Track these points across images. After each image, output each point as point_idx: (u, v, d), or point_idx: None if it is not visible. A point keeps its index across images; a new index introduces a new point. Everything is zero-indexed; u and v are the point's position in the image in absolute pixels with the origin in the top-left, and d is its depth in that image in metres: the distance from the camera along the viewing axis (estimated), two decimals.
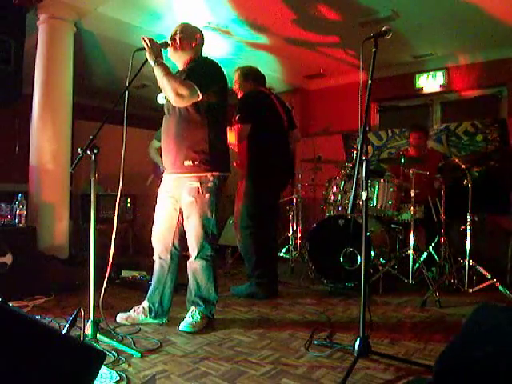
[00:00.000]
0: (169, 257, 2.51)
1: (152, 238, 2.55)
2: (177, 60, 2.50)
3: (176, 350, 2.11)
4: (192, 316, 2.41)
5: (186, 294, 2.52)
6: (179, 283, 2.68)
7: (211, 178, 2.37)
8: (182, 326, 2.37)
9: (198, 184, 2.35)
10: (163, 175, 2.56)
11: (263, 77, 3.42)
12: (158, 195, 2.55)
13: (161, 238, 2.51)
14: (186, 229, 2.45)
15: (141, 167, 4.60)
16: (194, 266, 2.45)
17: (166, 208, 2.50)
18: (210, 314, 2.48)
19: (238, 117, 3.10)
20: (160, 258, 2.53)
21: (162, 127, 2.52)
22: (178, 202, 2.46)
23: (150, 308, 2.51)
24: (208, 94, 2.34)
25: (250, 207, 3.20)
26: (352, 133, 5.31)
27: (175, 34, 2.44)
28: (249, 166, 3.23)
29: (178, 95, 2.25)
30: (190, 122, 2.36)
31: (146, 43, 2.26)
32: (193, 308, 2.45)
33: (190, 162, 2.34)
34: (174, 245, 2.51)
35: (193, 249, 2.43)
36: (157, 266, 2.55)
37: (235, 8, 3.90)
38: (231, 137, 3.22)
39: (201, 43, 2.55)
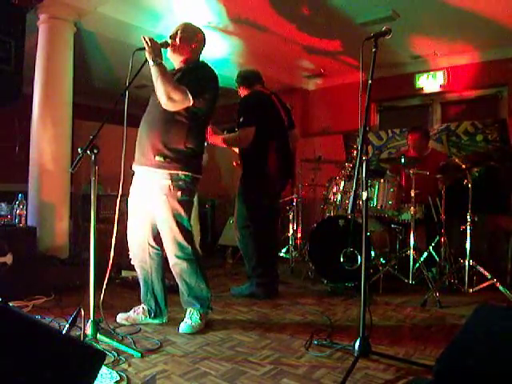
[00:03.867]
0: (147, 257, 2.45)
1: (128, 241, 2.49)
2: (174, 59, 2.49)
3: (176, 350, 2.11)
4: (190, 317, 2.40)
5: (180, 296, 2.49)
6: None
7: (182, 177, 2.33)
8: (182, 328, 2.37)
9: (170, 181, 2.30)
10: (132, 168, 2.47)
11: (257, 76, 3.40)
12: (130, 194, 2.48)
13: (135, 240, 2.47)
14: (160, 230, 2.40)
15: None
16: (178, 268, 2.39)
17: (136, 208, 2.45)
18: (207, 309, 2.45)
19: (241, 120, 3.11)
20: (137, 260, 2.49)
21: (144, 117, 2.46)
22: (149, 201, 2.39)
23: (148, 309, 2.51)
24: (198, 101, 2.32)
25: (250, 207, 3.20)
26: (352, 133, 5.31)
27: (176, 32, 2.44)
28: (248, 166, 3.23)
29: (170, 99, 2.23)
30: (172, 121, 2.33)
31: (147, 42, 2.24)
32: (190, 309, 2.42)
33: (162, 158, 2.30)
34: (150, 244, 2.46)
35: (171, 250, 2.37)
36: (138, 270, 2.51)
37: (236, 8, 3.90)
38: (231, 143, 3.23)
39: (201, 44, 2.54)
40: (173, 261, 2.39)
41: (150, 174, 2.36)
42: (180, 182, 2.32)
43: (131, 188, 2.50)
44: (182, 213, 2.34)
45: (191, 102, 2.28)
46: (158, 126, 2.35)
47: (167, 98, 2.23)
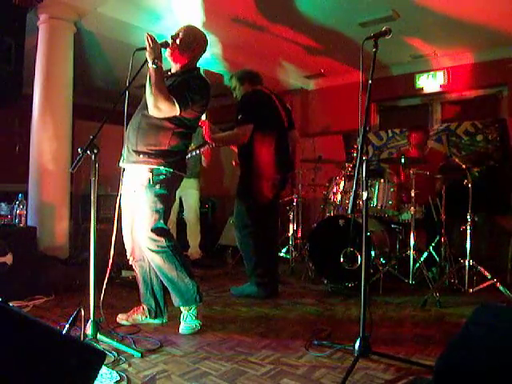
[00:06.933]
0: (144, 255, 2.43)
1: (124, 241, 2.49)
2: (172, 61, 2.47)
3: (176, 350, 2.11)
4: (185, 320, 2.38)
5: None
6: None
7: (163, 171, 2.32)
8: (181, 330, 2.36)
9: (150, 174, 2.30)
10: (119, 165, 2.46)
11: (258, 76, 3.40)
12: (121, 194, 2.47)
13: (130, 239, 2.46)
14: (135, 221, 2.38)
15: None
16: (155, 263, 2.34)
17: (127, 206, 2.44)
18: (197, 303, 2.38)
19: (240, 117, 3.10)
20: (135, 259, 2.48)
21: (134, 114, 2.45)
22: (132, 197, 2.39)
23: (148, 309, 2.51)
24: (187, 112, 2.32)
25: (249, 206, 3.20)
26: (352, 133, 5.31)
27: (177, 34, 2.42)
28: (248, 165, 3.22)
29: (157, 107, 2.22)
30: (158, 126, 2.32)
31: (149, 42, 2.22)
32: (183, 312, 2.40)
33: (145, 156, 2.31)
34: None
35: (144, 244, 2.33)
36: (136, 269, 2.51)
37: (235, 7, 3.89)
38: (228, 141, 3.23)
39: (202, 50, 2.52)
40: (148, 255, 2.36)
41: (134, 170, 2.37)
42: (160, 176, 2.32)
43: (122, 188, 2.48)
44: (158, 205, 2.31)
45: (178, 113, 2.27)
46: (145, 128, 2.35)
47: (154, 106, 2.22)
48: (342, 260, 3.33)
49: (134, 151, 2.34)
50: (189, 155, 3.57)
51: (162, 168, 2.31)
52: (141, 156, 2.32)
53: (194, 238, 4.57)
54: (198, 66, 2.55)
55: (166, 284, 2.40)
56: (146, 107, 2.30)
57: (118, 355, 1.98)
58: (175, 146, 2.36)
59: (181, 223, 4.59)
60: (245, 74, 3.38)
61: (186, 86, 2.34)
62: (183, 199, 4.50)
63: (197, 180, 4.55)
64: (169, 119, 2.32)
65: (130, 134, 2.39)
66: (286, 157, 3.35)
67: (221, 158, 5.96)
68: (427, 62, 5.23)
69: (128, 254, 2.51)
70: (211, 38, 4.37)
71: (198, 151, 3.93)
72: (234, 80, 3.38)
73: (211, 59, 4.75)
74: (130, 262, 2.52)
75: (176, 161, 2.38)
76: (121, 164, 2.44)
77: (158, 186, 2.31)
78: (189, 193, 4.47)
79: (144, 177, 2.30)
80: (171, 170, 2.34)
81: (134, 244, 2.46)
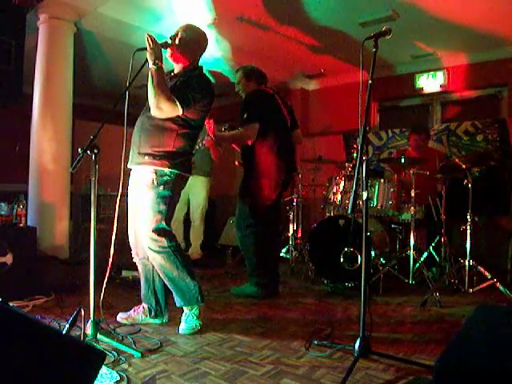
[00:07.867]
0: (147, 254, 2.43)
1: (129, 239, 2.51)
2: (173, 61, 2.47)
3: (176, 350, 2.11)
4: (186, 320, 2.38)
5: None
6: None
7: (168, 172, 2.32)
8: (181, 330, 2.36)
9: (154, 175, 2.30)
10: (127, 166, 2.47)
11: (265, 76, 3.41)
12: (128, 193, 2.49)
13: (134, 237, 2.48)
14: (137, 221, 2.39)
15: None
16: (156, 262, 2.34)
17: (133, 206, 2.46)
18: (198, 303, 2.38)
19: (245, 117, 3.10)
20: (139, 257, 2.50)
21: (139, 116, 2.46)
22: (137, 197, 2.41)
23: (149, 308, 2.51)
24: (190, 112, 2.32)
25: (252, 207, 3.20)
26: (352, 133, 5.31)
27: (176, 33, 2.42)
28: (251, 165, 3.22)
29: (159, 108, 2.22)
30: (162, 127, 2.33)
31: (149, 42, 2.21)
32: (185, 312, 2.40)
33: (150, 158, 2.31)
34: None
35: (145, 243, 2.33)
36: (140, 267, 2.53)
37: (237, 6, 3.89)
38: (235, 140, 3.23)
39: (202, 48, 2.51)
40: (149, 254, 2.36)
41: (139, 172, 2.38)
42: (164, 177, 2.32)
43: (128, 187, 2.51)
44: (161, 206, 2.32)
45: (180, 113, 2.27)
46: (149, 129, 2.35)
47: (156, 107, 2.22)
48: (341, 260, 3.33)
49: (139, 153, 2.34)
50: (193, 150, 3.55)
51: (166, 169, 2.32)
52: (145, 157, 2.32)
53: (196, 238, 4.56)
54: (200, 65, 2.54)
55: (167, 284, 2.41)
56: (149, 109, 2.30)
57: (118, 355, 1.98)
58: (180, 147, 2.35)
59: (184, 221, 4.58)
60: (252, 72, 3.36)
61: (187, 85, 2.33)
62: (191, 198, 4.47)
63: (206, 179, 4.50)
64: (173, 120, 2.31)
65: (135, 135, 2.40)
66: (290, 157, 3.34)
67: (224, 156, 5.94)
68: (427, 62, 5.23)
69: (133, 252, 2.53)
70: (212, 37, 4.39)
71: (200, 144, 3.91)
72: (240, 74, 3.36)
73: (212, 58, 4.75)
74: (134, 260, 2.54)
75: (181, 162, 2.37)
76: (128, 165, 2.45)
77: (161, 187, 2.32)
78: (196, 192, 4.44)
79: (148, 178, 2.31)
80: (176, 172, 2.34)
81: (137, 243, 2.48)
